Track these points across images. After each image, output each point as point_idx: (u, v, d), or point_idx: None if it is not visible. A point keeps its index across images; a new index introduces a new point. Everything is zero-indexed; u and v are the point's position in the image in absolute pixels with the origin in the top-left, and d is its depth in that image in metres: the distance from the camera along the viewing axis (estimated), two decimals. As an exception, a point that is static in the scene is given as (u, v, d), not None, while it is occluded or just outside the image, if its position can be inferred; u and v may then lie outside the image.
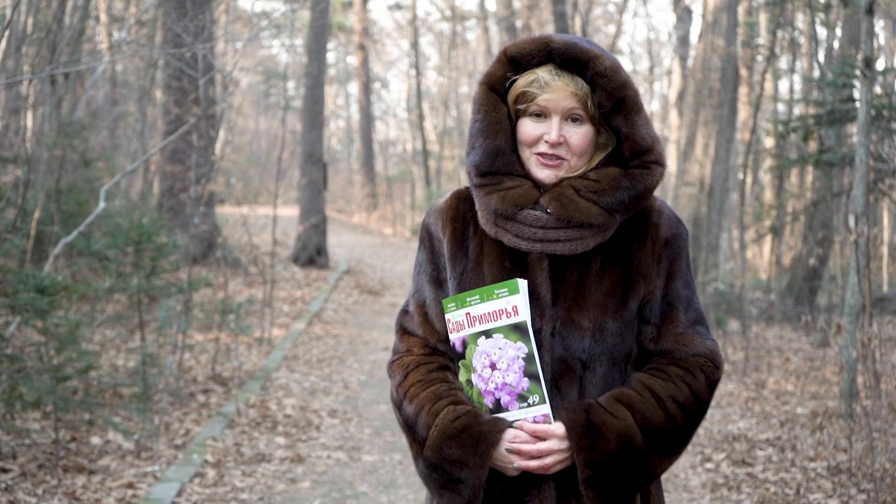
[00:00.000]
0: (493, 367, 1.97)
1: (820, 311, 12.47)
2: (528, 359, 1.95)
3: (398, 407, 2.10)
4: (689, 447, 6.34)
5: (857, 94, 9.67)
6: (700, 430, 6.84)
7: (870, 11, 6.30)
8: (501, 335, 1.96)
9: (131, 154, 12.97)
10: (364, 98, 27.67)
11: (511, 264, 2.02)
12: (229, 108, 12.82)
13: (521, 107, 2.01)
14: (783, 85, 23.83)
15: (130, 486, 5.09)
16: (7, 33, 7.59)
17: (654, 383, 1.99)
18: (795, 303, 12.79)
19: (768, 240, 16.14)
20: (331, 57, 32.91)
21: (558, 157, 1.99)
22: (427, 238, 2.14)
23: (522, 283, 1.96)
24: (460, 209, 2.11)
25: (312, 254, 15.85)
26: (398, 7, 31.18)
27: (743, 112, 18.02)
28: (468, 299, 2.00)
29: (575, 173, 2.01)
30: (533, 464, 1.95)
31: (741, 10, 15.50)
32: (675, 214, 2.09)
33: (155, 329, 7.53)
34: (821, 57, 13.82)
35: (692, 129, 12.06)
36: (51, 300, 5.29)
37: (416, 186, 28.51)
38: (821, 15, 13.85)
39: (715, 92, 11.77)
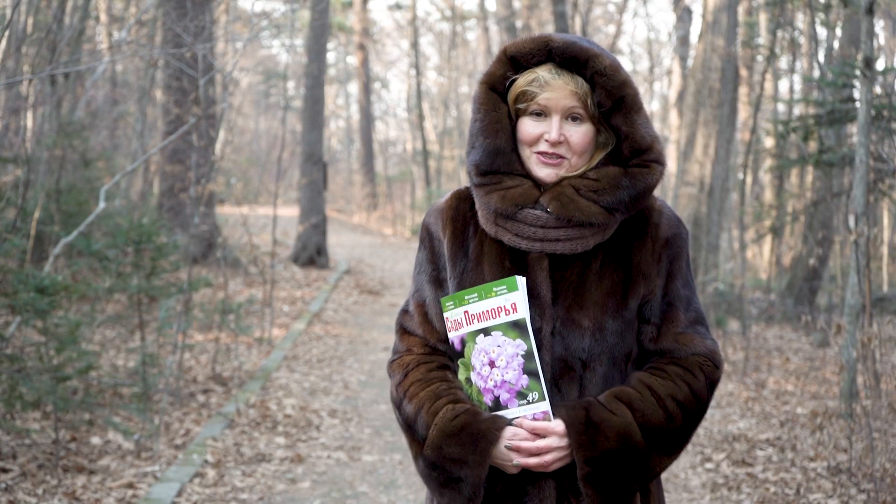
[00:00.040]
0: (491, 364, 1.97)
1: (820, 311, 12.47)
2: (528, 356, 1.95)
3: (398, 406, 2.11)
4: (689, 447, 6.34)
5: (857, 94, 9.67)
6: (700, 430, 6.84)
7: (870, 11, 6.31)
8: (500, 333, 1.96)
9: (131, 154, 12.98)
10: (364, 98, 27.67)
11: (511, 264, 2.02)
12: (229, 108, 12.83)
13: (521, 106, 2.01)
14: (783, 85, 23.84)
15: (130, 486, 5.09)
16: (7, 33, 7.59)
17: (653, 382, 1.99)
18: (795, 303, 12.79)
19: (768, 240, 16.15)
20: (331, 57, 32.91)
21: (559, 156, 1.99)
22: (427, 238, 2.14)
23: (521, 280, 1.96)
24: (460, 209, 2.11)
25: (312, 254, 15.85)
26: (398, 7, 31.18)
27: (743, 112, 18.02)
28: (466, 297, 2.00)
29: (575, 172, 2.01)
30: (532, 461, 1.95)
31: (741, 10, 15.50)
32: (676, 214, 2.09)
33: (155, 329, 7.53)
34: (821, 57, 13.82)
35: (692, 129, 12.06)
36: (51, 300, 5.29)
37: (416, 186, 28.52)
38: (821, 15, 13.85)
39: (715, 92, 11.77)
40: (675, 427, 1.99)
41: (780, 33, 15.65)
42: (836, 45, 13.61)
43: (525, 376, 1.95)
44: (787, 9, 14.72)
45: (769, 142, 17.49)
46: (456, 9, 28.06)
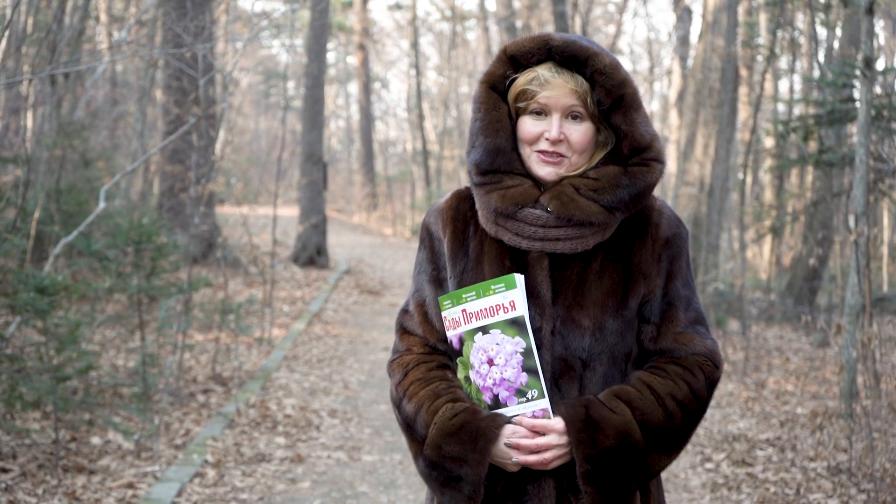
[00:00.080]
0: (490, 362, 1.97)
1: (820, 311, 12.47)
2: (527, 353, 1.95)
3: (398, 406, 2.11)
4: (689, 447, 6.34)
5: (857, 94, 9.67)
6: (700, 430, 6.83)
7: (870, 11, 6.31)
8: (499, 330, 1.96)
9: (131, 154, 12.98)
10: (364, 98, 27.68)
11: (511, 263, 2.02)
12: (229, 108, 12.83)
13: (521, 105, 2.01)
14: (783, 85, 23.84)
15: (130, 486, 5.09)
16: (7, 33, 7.59)
17: (653, 381, 2.00)
18: (795, 303, 12.79)
19: (768, 240, 16.15)
20: (331, 57, 32.91)
21: (559, 155, 2.00)
22: (427, 238, 2.15)
23: (519, 278, 1.96)
24: (461, 209, 2.12)
25: (312, 254, 15.85)
26: (398, 7, 31.18)
27: (743, 112, 18.02)
28: (464, 296, 2.00)
29: (575, 172, 2.02)
30: (532, 458, 1.95)
31: (741, 10, 15.51)
32: (676, 214, 2.09)
33: (155, 329, 7.53)
34: (821, 57, 13.82)
35: (692, 129, 12.06)
36: (51, 300, 5.29)
37: (416, 186, 28.52)
38: (821, 15, 13.85)
39: (715, 92, 11.77)
40: (674, 426, 1.99)
41: (780, 33, 15.66)
42: (836, 45, 13.61)
43: (524, 374, 1.95)
44: (787, 9, 14.72)
45: (769, 142, 17.49)
46: (456, 9, 28.06)
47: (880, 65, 20.83)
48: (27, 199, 7.27)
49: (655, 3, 49.20)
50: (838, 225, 11.98)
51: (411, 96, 30.35)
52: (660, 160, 2.01)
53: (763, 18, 17.43)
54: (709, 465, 6.04)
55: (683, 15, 18.61)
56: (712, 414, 7.39)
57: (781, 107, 19.53)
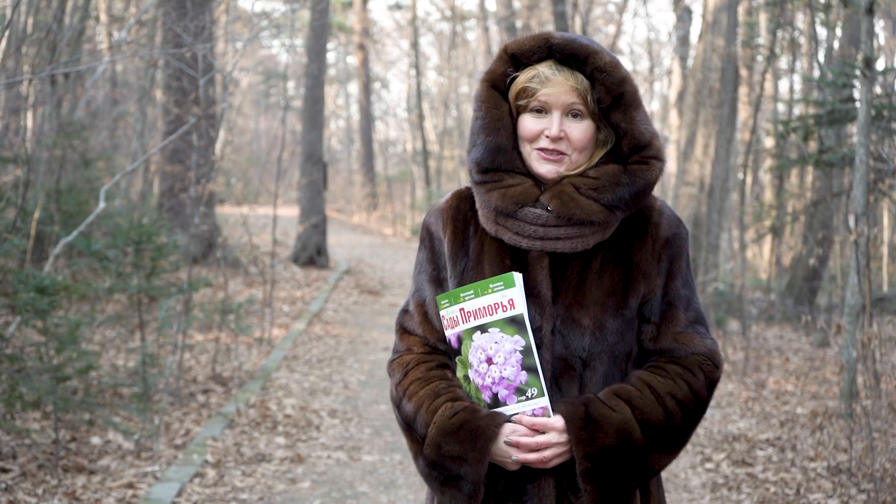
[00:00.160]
0: (489, 361, 1.97)
1: (820, 311, 12.47)
2: (526, 352, 1.94)
3: (397, 405, 2.11)
4: (689, 447, 6.34)
5: (857, 94, 9.67)
6: (700, 430, 6.83)
7: (870, 11, 6.31)
8: (498, 329, 1.96)
9: (131, 154, 12.97)
10: (364, 98, 27.68)
11: (511, 262, 2.02)
12: (229, 108, 12.82)
13: (521, 103, 2.02)
14: (783, 85, 23.84)
15: (130, 486, 5.09)
16: (7, 33, 7.59)
17: (653, 380, 2.00)
18: (795, 303, 12.79)
19: (768, 240, 16.15)
20: (331, 57, 32.91)
21: (559, 153, 2.00)
22: (427, 238, 2.15)
23: (518, 276, 1.96)
24: (461, 209, 2.12)
25: (312, 254, 15.85)
26: (398, 7, 31.19)
27: (743, 112, 18.02)
28: (462, 295, 2.00)
29: (576, 170, 2.02)
30: (532, 457, 1.95)
31: (741, 10, 15.51)
32: (676, 214, 2.09)
33: (155, 329, 7.53)
34: (821, 57, 13.82)
35: (692, 129, 12.06)
36: (51, 300, 5.29)
37: (416, 186, 28.52)
38: (821, 15, 13.85)
39: (715, 92, 11.77)
40: (674, 425, 1.99)
41: (780, 33, 15.66)
42: (836, 45, 13.61)
43: (523, 372, 1.95)
44: (787, 9, 14.72)
45: (769, 142, 17.49)
46: (456, 9, 28.07)
47: (880, 65, 20.83)
48: (27, 199, 7.27)
49: (655, 3, 49.22)
50: (838, 225, 11.98)
51: (411, 96, 30.36)
52: (660, 158, 2.01)
53: (763, 18, 17.43)
54: (709, 465, 6.04)
55: (683, 15, 18.61)
56: (712, 414, 7.39)
57: (781, 107, 19.54)
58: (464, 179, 26.67)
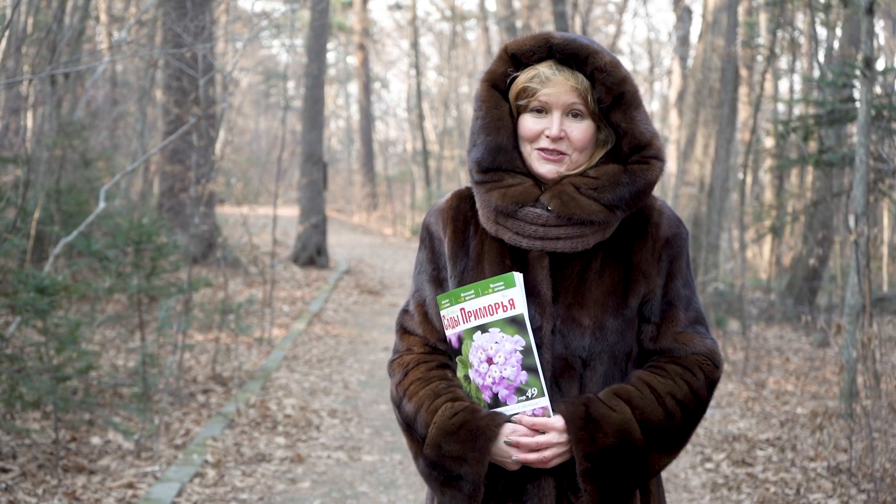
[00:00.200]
0: (489, 361, 1.97)
1: (820, 311, 12.47)
2: (526, 352, 1.94)
3: (398, 405, 2.11)
4: (689, 447, 6.34)
5: (857, 94, 9.67)
6: (700, 430, 6.83)
7: (870, 11, 6.30)
8: (498, 329, 1.96)
9: (131, 154, 12.98)
10: (364, 98, 27.68)
11: (512, 262, 2.02)
12: (229, 108, 12.83)
13: (521, 103, 2.02)
14: (783, 85, 23.84)
15: (130, 486, 5.09)
16: (7, 33, 7.59)
17: (653, 380, 2.00)
18: (795, 303, 12.79)
19: (768, 240, 16.15)
20: (331, 57, 32.92)
21: (560, 152, 2.00)
22: (428, 238, 2.15)
23: (518, 276, 1.96)
24: (461, 209, 2.12)
25: (312, 254, 15.85)
26: (398, 7, 31.19)
27: (743, 112, 18.02)
28: (462, 295, 2.00)
29: (576, 170, 2.02)
30: (532, 457, 1.95)
31: (741, 10, 15.50)
32: (676, 214, 2.09)
33: (155, 329, 7.53)
34: (821, 57, 13.82)
35: (692, 129, 12.06)
36: (51, 300, 5.29)
37: (416, 186, 28.52)
38: (821, 15, 13.85)
39: (715, 92, 11.77)
40: (674, 425, 1.99)
41: (780, 33, 15.66)
42: (836, 45, 13.61)
43: (524, 372, 1.95)
44: (787, 9, 14.72)
45: (769, 142, 17.49)
46: (456, 9, 28.06)
47: (880, 65, 20.83)
48: (27, 199, 7.27)
49: (655, 3, 49.22)
50: (838, 225, 11.98)
51: (411, 96, 30.36)
52: (660, 158, 2.01)
53: (763, 18, 17.43)
54: (709, 465, 6.04)
55: (683, 15, 18.61)
56: (712, 414, 7.39)
57: (781, 107, 19.54)
58: (464, 179, 26.67)
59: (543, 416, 1.96)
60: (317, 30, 15.97)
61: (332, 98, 35.38)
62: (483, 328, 1.98)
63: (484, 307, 1.97)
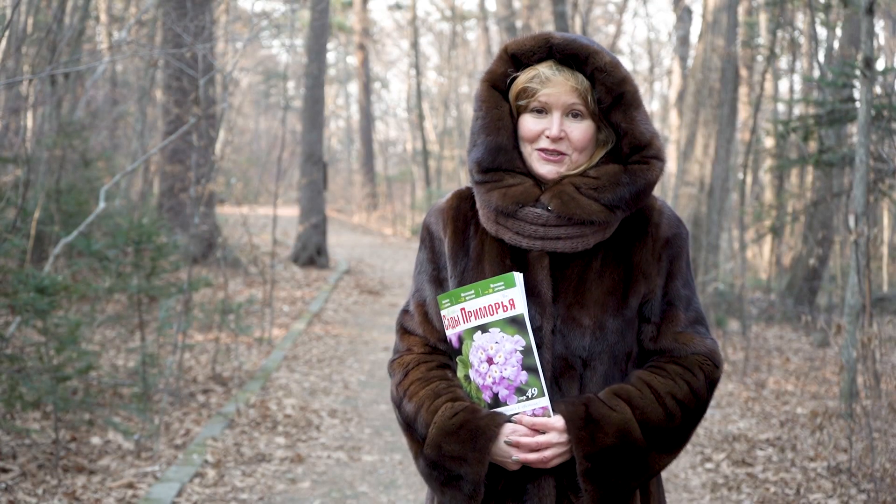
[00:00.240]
0: (490, 361, 1.97)
1: (820, 311, 12.47)
2: (526, 352, 1.95)
3: (398, 406, 2.11)
4: (689, 447, 6.34)
5: (857, 94, 9.67)
6: (700, 430, 6.83)
7: (870, 11, 6.30)
8: (498, 329, 1.96)
9: (131, 154, 12.98)
10: (364, 98, 27.68)
11: (512, 262, 2.02)
12: (229, 108, 12.82)
13: (522, 103, 2.02)
14: (783, 85, 23.84)
15: (130, 486, 5.09)
16: (7, 33, 7.59)
17: (653, 380, 2.00)
18: (795, 303, 12.79)
19: (768, 240, 16.15)
20: (331, 57, 32.92)
21: (560, 153, 2.00)
22: (428, 238, 2.15)
23: (518, 276, 1.96)
24: (461, 209, 2.12)
25: (312, 254, 15.85)
26: (398, 7, 31.19)
27: (743, 112, 18.02)
28: (462, 295, 2.00)
29: (576, 170, 2.02)
30: (532, 457, 1.95)
31: (741, 10, 15.50)
32: (676, 214, 2.09)
33: (155, 329, 7.53)
34: (821, 57, 13.82)
35: (692, 129, 12.06)
36: (51, 300, 5.29)
37: (416, 186, 28.52)
38: (821, 15, 13.85)
39: (715, 92, 11.77)
40: (674, 425, 1.99)
41: (780, 33, 15.65)
42: (836, 45, 13.61)
43: (524, 372, 1.95)
44: (787, 9, 14.72)
45: (769, 142, 17.49)
46: (456, 9, 28.07)
47: (880, 65, 20.83)
48: (27, 199, 7.27)
49: (655, 3, 49.23)
50: (838, 225, 11.98)
51: (411, 96, 30.36)
52: (660, 158, 2.01)
53: (763, 18, 17.43)
54: (709, 465, 6.04)
55: (683, 15, 18.61)
56: (712, 414, 7.39)
57: (781, 107, 19.53)
58: (464, 179, 26.67)
59: (543, 416, 1.96)
60: (317, 30, 15.97)
61: (332, 98, 35.38)
62: (483, 328, 1.98)
63: (484, 307, 1.97)
